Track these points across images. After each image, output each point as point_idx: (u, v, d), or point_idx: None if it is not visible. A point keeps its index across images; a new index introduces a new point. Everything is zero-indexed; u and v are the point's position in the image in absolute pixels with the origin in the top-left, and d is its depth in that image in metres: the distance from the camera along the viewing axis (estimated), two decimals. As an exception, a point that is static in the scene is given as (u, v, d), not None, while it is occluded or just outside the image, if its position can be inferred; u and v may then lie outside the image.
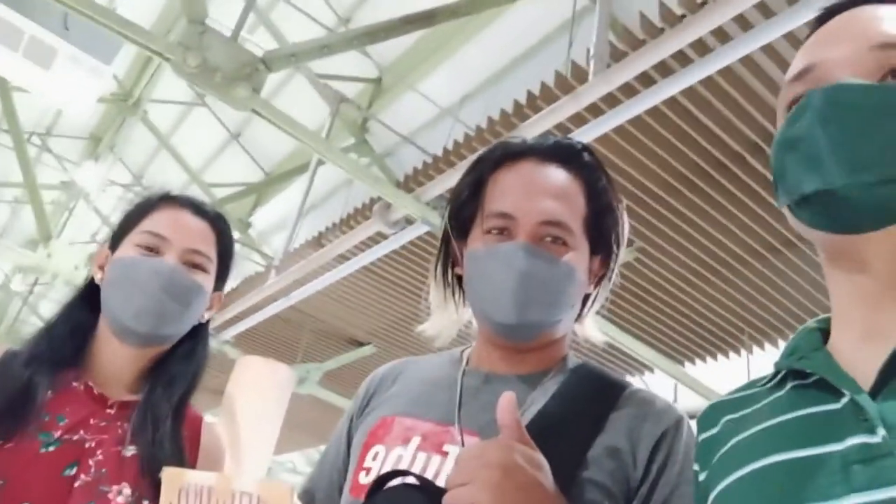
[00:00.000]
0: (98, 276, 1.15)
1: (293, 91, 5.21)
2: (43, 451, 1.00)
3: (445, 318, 1.01)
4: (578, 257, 0.92)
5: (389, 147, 5.15)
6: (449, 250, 1.00)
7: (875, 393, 0.57)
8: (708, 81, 2.69)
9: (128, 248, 1.12)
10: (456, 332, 1.02)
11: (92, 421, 1.06)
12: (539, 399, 0.88)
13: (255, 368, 5.54)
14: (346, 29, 4.70)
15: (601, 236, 0.96)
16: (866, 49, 0.63)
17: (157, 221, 1.14)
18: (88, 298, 1.15)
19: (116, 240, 1.16)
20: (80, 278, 6.42)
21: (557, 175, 0.95)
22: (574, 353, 1.01)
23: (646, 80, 2.72)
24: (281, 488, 0.79)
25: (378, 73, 5.04)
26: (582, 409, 0.86)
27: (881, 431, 0.54)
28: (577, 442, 0.82)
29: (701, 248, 3.62)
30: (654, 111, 2.85)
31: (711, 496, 0.65)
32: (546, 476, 0.71)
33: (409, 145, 4.67)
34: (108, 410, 1.09)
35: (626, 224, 1.00)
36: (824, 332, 0.69)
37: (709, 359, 4.58)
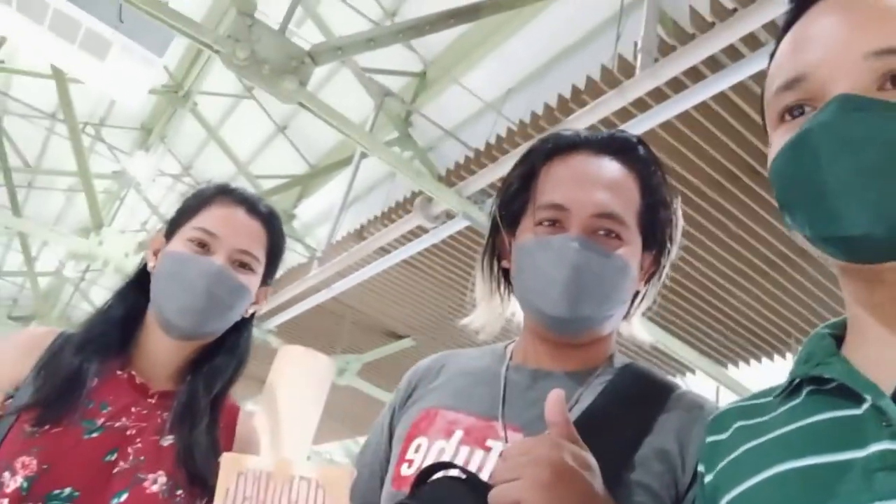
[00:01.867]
0: (151, 264, 1.17)
1: (339, 84, 5.25)
2: (86, 437, 1.03)
3: (491, 311, 0.99)
4: (632, 252, 0.89)
5: (432, 141, 5.16)
6: (496, 242, 0.99)
7: (894, 398, 0.55)
8: (759, 77, 2.62)
9: (180, 242, 1.14)
10: (500, 325, 1.01)
11: (133, 409, 1.09)
12: (586, 397, 0.87)
13: (297, 358, 5.61)
14: (391, 23, 4.72)
15: (654, 232, 0.93)
16: (860, 56, 0.58)
17: (211, 218, 1.15)
18: (140, 285, 1.18)
19: (172, 229, 1.18)
20: (130, 266, 6.60)
21: (611, 167, 0.92)
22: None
23: (695, 75, 2.67)
24: (340, 473, 0.79)
25: (422, 66, 5.04)
26: (630, 408, 0.85)
27: None
28: (624, 442, 0.81)
29: (747, 247, 3.55)
30: (702, 107, 2.80)
31: (724, 500, 0.64)
32: (595, 476, 0.69)
33: (452, 139, 4.66)
34: (150, 400, 1.11)
35: (680, 221, 0.97)
36: (836, 337, 0.67)
37: (752, 361, 4.49)
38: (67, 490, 0.98)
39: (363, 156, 4.67)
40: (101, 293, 8.53)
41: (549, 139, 0.97)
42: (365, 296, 5.08)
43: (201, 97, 6.54)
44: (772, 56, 0.68)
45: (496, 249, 0.99)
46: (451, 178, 3.86)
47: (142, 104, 6.41)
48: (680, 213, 0.97)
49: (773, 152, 0.64)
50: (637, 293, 0.96)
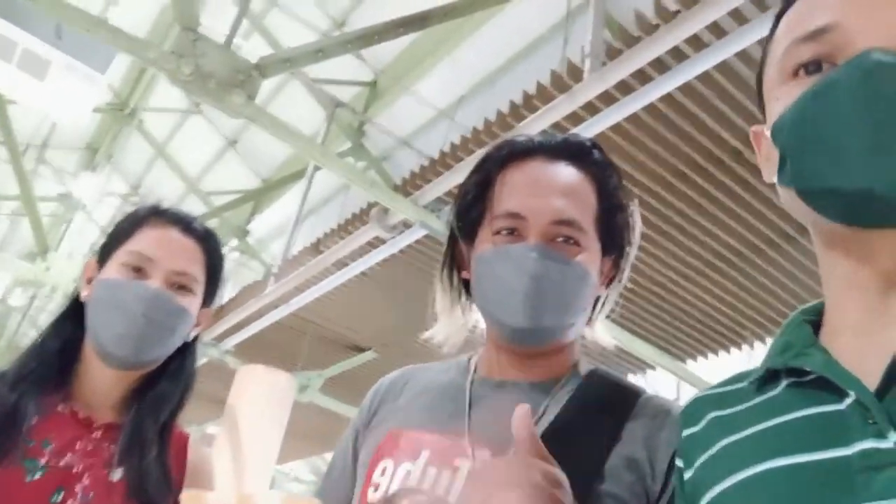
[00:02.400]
0: (85, 293, 1.12)
1: (288, 96, 5.20)
2: (29, 479, 0.98)
3: (452, 323, 0.98)
4: (591, 258, 0.88)
5: (386, 150, 5.15)
6: (454, 253, 0.97)
7: (881, 393, 0.53)
8: (704, 77, 2.68)
9: (113, 268, 1.10)
10: (463, 337, 0.99)
11: (78, 445, 1.04)
12: (552, 408, 0.86)
13: (256, 377, 5.51)
14: (340, 33, 4.70)
15: (613, 236, 0.92)
16: (893, 7, 0.56)
17: (145, 240, 1.11)
18: (75, 315, 1.13)
19: (105, 254, 1.14)
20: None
21: (567, 173, 0.91)
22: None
23: (642, 77, 2.71)
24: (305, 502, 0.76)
25: (373, 76, 5.03)
26: (597, 418, 0.84)
27: (893, 436, 0.51)
28: (593, 453, 0.80)
29: (698, 243, 3.62)
30: (650, 108, 2.84)
31: (705, 499, 0.61)
32: (566, 494, 0.67)
33: (406, 148, 4.66)
34: (95, 434, 1.07)
35: (637, 223, 0.96)
36: (813, 324, 0.64)
37: (710, 355, 4.57)
38: None
39: (316, 168, 4.62)
40: (50, 320, 8.27)
41: (504, 146, 0.96)
42: (324, 310, 5.02)
43: (147, 114, 6.42)
44: (776, 22, 0.66)
45: (455, 260, 0.98)
46: (407, 187, 3.85)
47: (86, 123, 6.25)
48: (637, 215, 0.96)
49: (779, 106, 0.61)
50: (598, 298, 0.95)
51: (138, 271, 1.09)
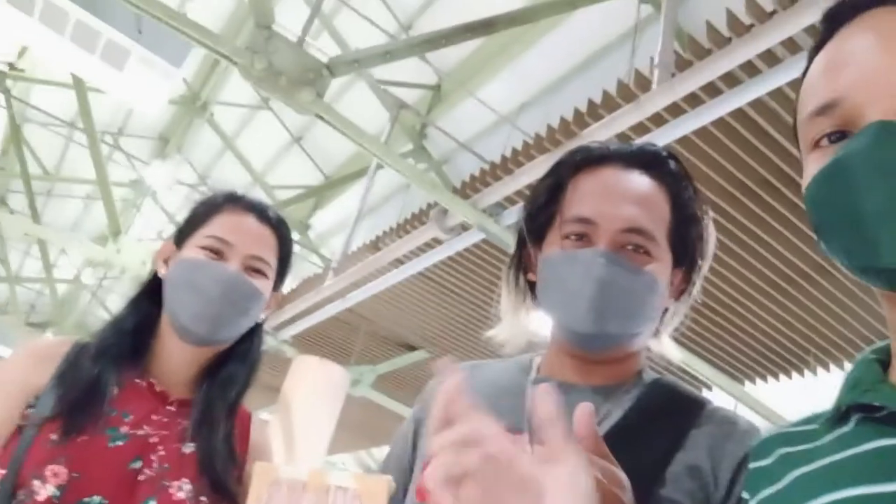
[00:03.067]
0: (162, 271, 1.17)
1: (354, 96, 5.28)
2: (111, 445, 1.04)
3: (516, 324, 0.97)
4: (661, 268, 0.87)
5: (447, 153, 5.17)
6: (522, 255, 0.97)
7: None
8: (776, 93, 2.61)
9: (193, 249, 1.15)
10: (525, 339, 0.99)
11: (154, 417, 1.10)
12: (615, 412, 0.85)
13: (311, 368, 5.62)
14: (407, 36, 4.75)
15: (685, 248, 0.90)
16: None
17: (222, 225, 1.16)
18: (152, 292, 1.18)
19: (182, 236, 1.19)
20: (146, 273, 6.65)
21: (641, 181, 0.89)
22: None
23: (711, 90, 2.65)
24: (378, 482, 0.76)
25: (437, 79, 5.06)
26: (660, 423, 0.83)
27: None
28: (655, 457, 0.79)
29: (766, 263, 3.51)
30: (719, 122, 2.78)
31: None
32: (626, 493, 0.67)
33: (467, 152, 4.67)
34: (169, 407, 1.12)
35: (711, 237, 0.94)
36: (882, 363, 0.64)
37: (770, 378, 4.43)
38: (97, 498, 1.00)
39: (378, 167, 4.68)
40: (117, 301, 8.60)
41: (578, 151, 0.95)
42: (379, 307, 5.08)
43: (218, 107, 6.60)
44: (803, 75, 0.66)
45: (522, 262, 0.97)
46: (466, 190, 3.86)
47: (159, 114, 6.47)
48: (711, 228, 0.95)
49: (806, 178, 0.62)
50: (667, 310, 0.93)
51: (217, 254, 1.13)
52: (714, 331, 4.08)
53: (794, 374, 4.30)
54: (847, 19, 0.61)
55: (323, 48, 4.26)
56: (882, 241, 0.54)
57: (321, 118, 3.37)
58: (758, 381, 4.45)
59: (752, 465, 0.70)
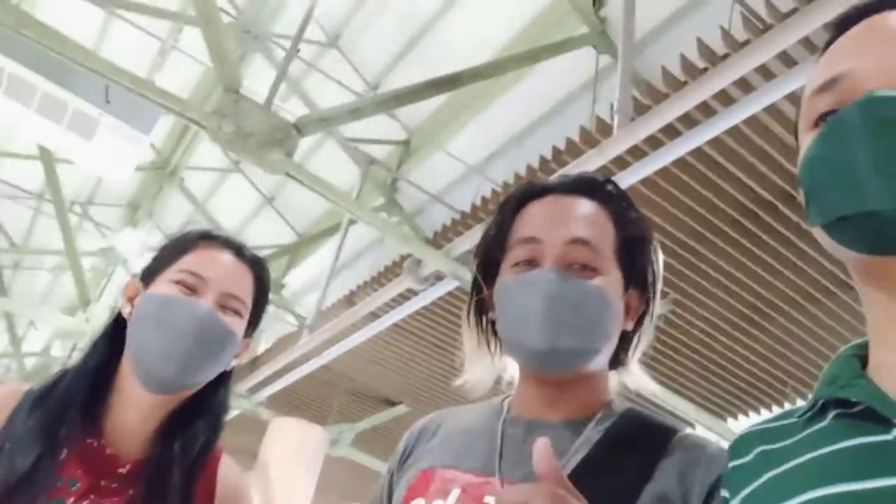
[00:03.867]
0: (126, 310, 1.09)
1: (324, 155, 5.34)
2: None
3: (481, 366, 0.98)
4: (610, 283, 0.88)
5: (418, 206, 5.22)
6: (481, 296, 0.98)
7: None
8: (733, 131, 2.70)
9: (164, 285, 1.06)
10: (492, 381, 0.99)
11: (103, 483, 1.01)
12: (583, 447, 0.85)
13: (289, 430, 5.52)
14: (374, 94, 4.84)
15: (634, 267, 0.92)
16: None
17: (197, 260, 1.08)
18: (113, 337, 1.09)
19: (151, 274, 1.10)
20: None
21: (584, 204, 0.92)
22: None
23: (671, 132, 2.74)
24: None
25: (406, 134, 5.15)
26: (629, 456, 0.83)
27: None
28: (624, 491, 0.79)
29: (736, 297, 3.57)
30: (680, 162, 2.86)
31: None
32: None
33: (438, 203, 4.73)
34: (121, 471, 1.03)
35: (660, 258, 0.96)
36: (861, 358, 0.65)
37: (752, 413, 4.45)
38: None
39: (351, 223, 4.71)
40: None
41: (519, 189, 0.98)
42: (356, 363, 5.04)
43: (188, 172, 6.62)
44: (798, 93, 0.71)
45: (481, 303, 0.98)
46: (439, 240, 3.90)
47: (129, 181, 6.47)
48: (659, 251, 0.96)
49: (803, 150, 0.64)
50: (630, 335, 0.94)
51: (191, 290, 1.05)
52: (692, 368, 4.11)
53: (775, 408, 4.32)
54: (854, 23, 0.66)
55: (291, 109, 4.33)
56: (868, 187, 0.56)
57: (292, 177, 3.40)
58: (740, 416, 4.47)
59: (731, 464, 0.70)
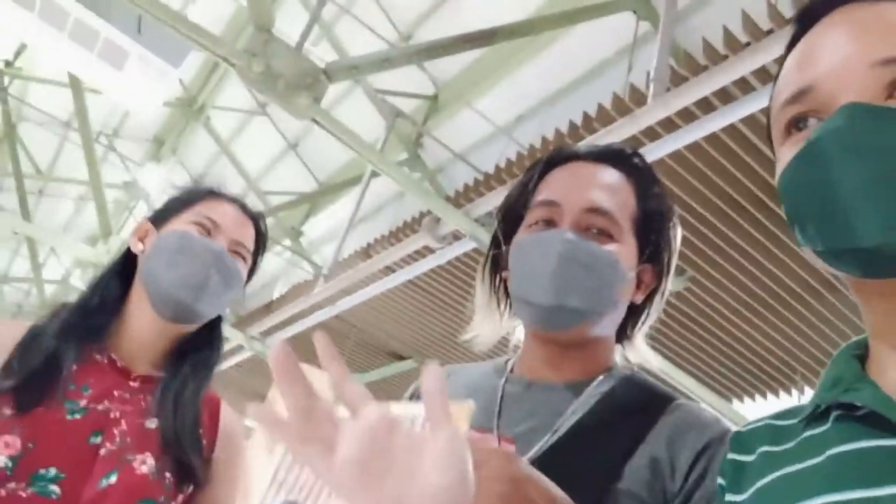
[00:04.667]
0: (138, 247, 1.17)
1: (351, 105, 5.30)
2: (69, 417, 1.02)
3: (489, 323, 1.00)
4: (624, 251, 0.89)
5: (441, 163, 5.19)
6: (498, 252, 0.99)
7: None
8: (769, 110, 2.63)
9: (182, 224, 1.16)
10: (497, 337, 1.01)
11: (115, 392, 1.08)
12: (580, 409, 0.86)
13: (297, 375, 5.58)
14: (406, 45, 4.77)
15: (651, 240, 0.92)
16: (867, 66, 0.57)
17: (210, 209, 1.18)
18: (121, 271, 1.18)
19: (161, 219, 1.19)
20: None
21: (608, 173, 0.93)
22: None
23: (706, 106, 2.68)
24: (456, 408, 0.62)
25: (434, 89, 5.09)
26: (625, 419, 0.84)
27: None
28: (616, 452, 0.80)
29: (755, 280, 3.53)
30: (712, 138, 2.80)
31: None
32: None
33: (462, 163, 4.69)
34: (132, 383, 1.10)
35: (678, 234, 0.96)
36: (861, 358, 0.65)
37: (758, 397, 4.44)
38: (53, 470, 0.97)
39: (373, 175, 4.69)
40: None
41: (549, 154, 1.00)
42: (369, 315, 5.07)
43: (214, 111, 6.61)
44: (776, 75, 0.67)
45: (497, 260, 1.00)
46: (460, 199, 3.87)
47: (155, 116, 6.48)
48: (678, 228, 0.96)
49: (780, 167, 0.63)
50: (639, 309, 0.95)
51: (205, 232, 1.15)
52: (703, 347, 4.09)
53: (782, 394, 4.31)
54: (818, 17, 0.63)
55: (322, 55, 4.28)
56: (858, 221, 0.54)
57: (317, 123, 3.37)
58: (745, 399, 4.46)
59: (731, 456, 0.70)
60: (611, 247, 0.88)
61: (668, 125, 2.78)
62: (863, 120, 0.55)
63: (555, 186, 0.93)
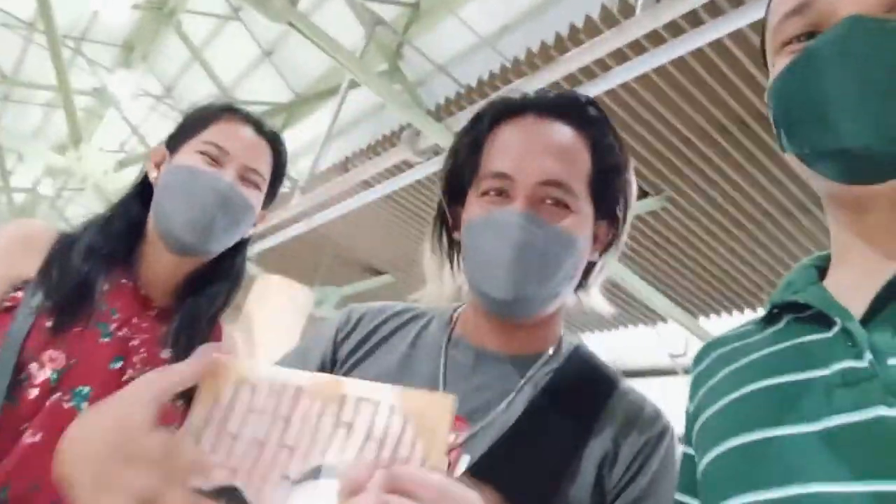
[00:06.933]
0: (153, 174, 1.15)
1: (329, 11, 5.11)
2: (101, 340, 1.05)
3: (442, 285, 0.95)
4: (580, 222, 0.86)
5: (422, 76, 5.07)
6: (446, 215, 0.95)
7: (866, 321, 0.58)
8: (757, 26, 2.59)
9: (188, 155, 1.12)
10: (451, 299, 0.97)
11: (135, 321, 1.10)
12: (527, 390, 0.86)
13: (274, 287, 5.62)
14: (388, -52, 4.58)
15: (607, 199, 0.89)
16: None
17: (220, 133, 1.13)
18: (143, 195, 1.16)
19: (176, 142, 1.16)
20: (109, 184, 6.47)
21: (560, 131, 0.88)
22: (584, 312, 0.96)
23: (694, 19, 2.63)
24: (437, 401, 0.55)
25: (417, -3, 4.92)
26: (571, 405, 0.84)
27: (868, 356, 0.55)
28: (564, 446, 0.81)
29: (730, 201, 3.57)
30: (698, 54, 2.77)
31: (697, 425, 0.68)
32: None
33: (443, 76, 4.58)
34: (150, 312, 1.12)
35: (634, 186, 0.92)
36: (820, 269, 0.68)
37: (724, 313, 4.57)
38: (87, 389, 1.01)
39: (351, 86, 4.58)
40: (77, 212, 8.41)
41: (496, 103, 0.93)
42: (346, 229, 5.06)
43: (186, 16, 6.34)
44: None
45: (446, 221, 0.95)
46: (441, 113, 3.81)
47: (125, 20, 6.20)
48: (633, 179, 0.93)
49: (774, 74, 0.64)
50: (593, 265, 0.92)
51: (213, 161, 1.11)
52: (674, 266, 4.17)
53: (747, 311, 4.44)
54: None
55: (299, -44, 4.09)
56: (847, 122, 0.56)
57: (294, 27, 3.26)
58: (711, 315, 4.59)
59: (693, 373, 0.74)
60: (567, 221, 0.84)
61: (656, 38, 2.73)
62: (863, 31, 0.57)
63: (505, 154, 0.86)
